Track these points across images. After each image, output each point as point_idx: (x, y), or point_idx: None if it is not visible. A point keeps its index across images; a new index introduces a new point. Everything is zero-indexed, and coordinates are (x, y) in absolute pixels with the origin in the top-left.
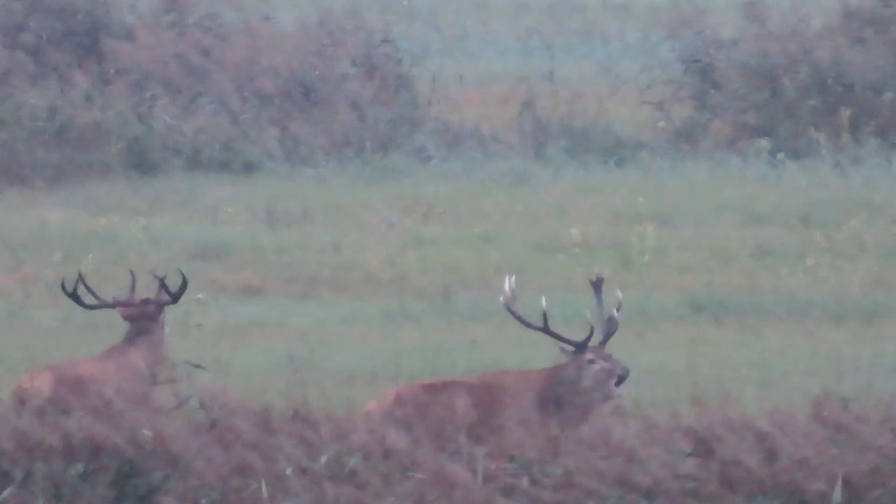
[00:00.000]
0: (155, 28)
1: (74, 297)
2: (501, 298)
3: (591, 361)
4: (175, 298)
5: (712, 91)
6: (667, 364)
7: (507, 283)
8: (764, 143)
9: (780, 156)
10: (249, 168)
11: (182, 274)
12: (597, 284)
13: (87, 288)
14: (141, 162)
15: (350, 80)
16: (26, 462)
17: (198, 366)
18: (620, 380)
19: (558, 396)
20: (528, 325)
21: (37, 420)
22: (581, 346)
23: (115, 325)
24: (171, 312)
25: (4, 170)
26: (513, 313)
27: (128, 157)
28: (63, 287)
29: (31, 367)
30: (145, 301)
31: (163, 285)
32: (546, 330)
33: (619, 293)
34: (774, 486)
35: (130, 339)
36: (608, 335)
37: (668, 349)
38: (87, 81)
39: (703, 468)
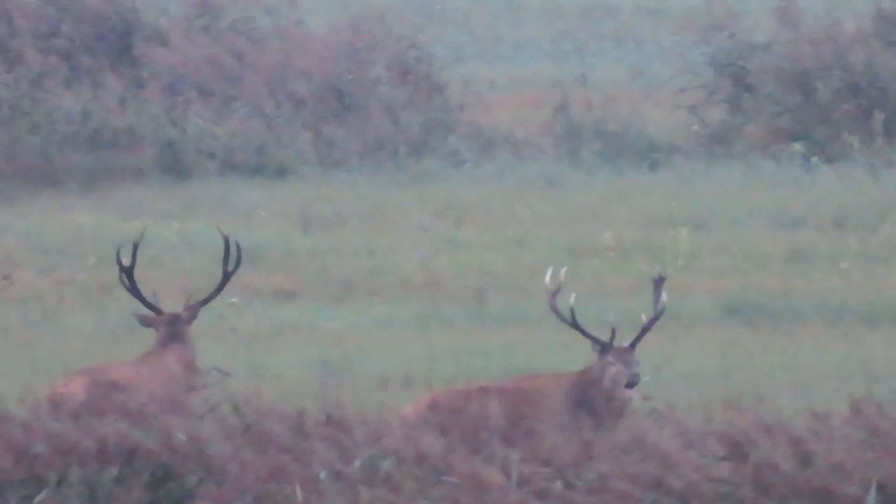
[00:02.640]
0: (188, 32)
1: (138, 293)
2: (547, 279)
3: (610, 363)
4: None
5: (746, 95)
6: (701, 368)
7: (551, 275)
8: (797, 146)
9: (814, 160)
10: (283, 172)
11: (235, 243)
12: (658, 282)
13: (131, 281)
14: (174, 166)
15: (383, 83)
16: (61, 466)
17: (224, 372)
18: (629, 385)
19: (588, 398)
20: (561, 317)
21: (71, 424)
22: (606, 346)
23: (147, 329)
24: (204, 316)
25: (38, 173)
26: (551, 304)
27: (161, 160)
28: (120, 264)
29: (65, 371)
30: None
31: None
32: (575, 325)
33: (664, 296)
34: (809, 491)
35: (164, 344)
36: (638, 338)
37: (702, 353)
38: (120, 85)
39: (737, 472)
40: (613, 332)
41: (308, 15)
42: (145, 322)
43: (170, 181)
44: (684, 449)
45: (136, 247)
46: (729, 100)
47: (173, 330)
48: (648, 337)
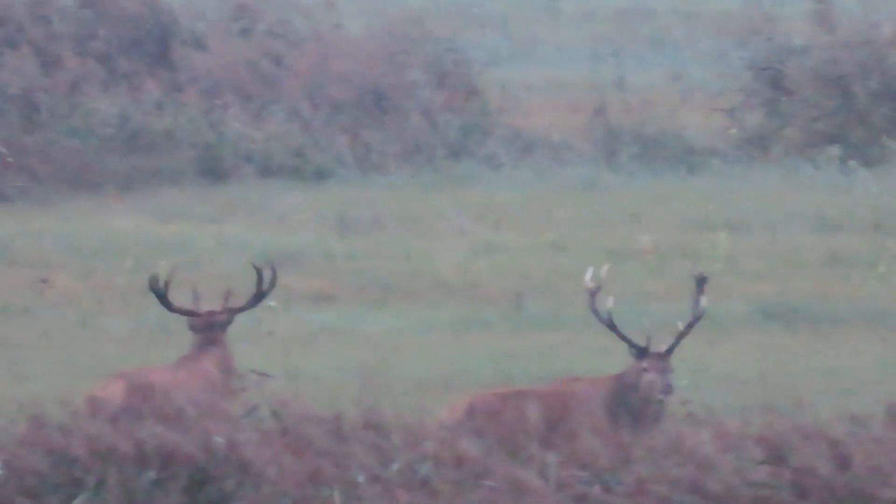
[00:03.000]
0: (225, 35)
1: (163, 297)
2: (587, 277)
3: (645, 370)
4: (259, 298)
5: (783, 98)
6: (739, 371)
7: (591, 274)
8: (835, 150)
9: (852, 163)
10: (320, 175)
11: (258, 271)
12: (700, 281)
13: (167, 287)
14: (212, 169)
15: (421, 87)
16: (99, 469)
17: (265, 374)
18: (663, 394)
19: (626, 402)
20: (599, 318)
21: (109, 427)
22: (642, 351)
23: (187, 332)
24: (242, 320)
25: (76, 177)
26: (590, 304)
27: (199, 164)
28: (152, 286)
29: (103, 375)
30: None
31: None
32: (612, 327)
33: (703, 300)
34: (847, 494)
35: (201, 348)
36: (674, 344)
37: (740, 356)
38: (158, 89)
39: (775, 476)
40: (649, 339)
41: (346, 18)
42: (190, 323)
43: (207, 184)
44: (722, 453)
45: (166, 285)
46: (766, 103)
47: (210, 334)
48: (686, 341)
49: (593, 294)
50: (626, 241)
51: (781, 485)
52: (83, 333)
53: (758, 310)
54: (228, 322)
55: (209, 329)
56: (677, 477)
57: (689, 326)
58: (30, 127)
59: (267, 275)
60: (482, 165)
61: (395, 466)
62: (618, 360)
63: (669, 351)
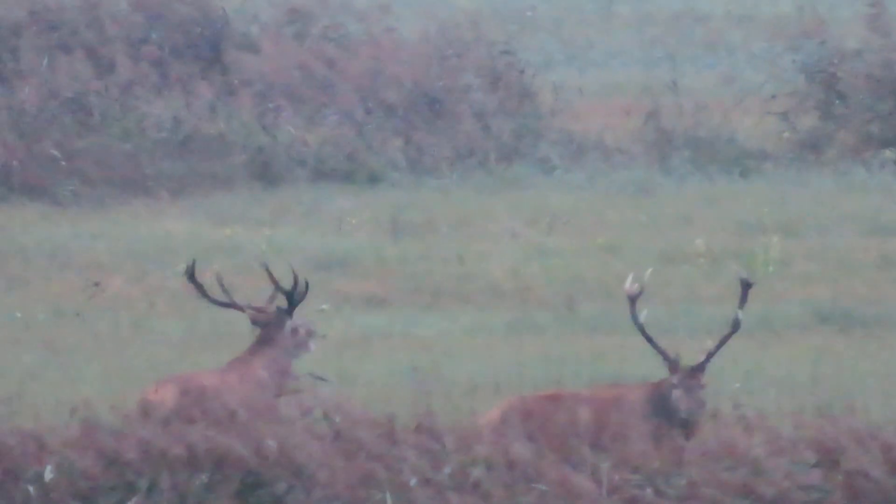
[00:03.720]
0: (278, 39)
1: (198, 286)
2: (627, 284)
3: (674, 385)
4: (291, 300)
5: (837, 102)
6: (792, 374)
7: (631, 280)
8: (889, 153)
9: None
10: (373, 179)
11: (300, 279)
12: (745, 286)
13: (222, 287)
14: (265, 173)
15: (474, 90)
16: (151, 472)
17: (321, 377)
18: (689, 413)
19: (665, 409)
20: (637, 325)
21: (161, 430)
22: (673, 365)
23: (239, 334)
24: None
25: (129, 180)
26: (631, 309)
27: (252, 167)
28: (188, 274)
29: (155, 378)
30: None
31: (281, 290)
32: (646, 338)
33: (740, 314)
34: None
35: (254, 350)
36: (706, 360)
37: (794, 359)
38: (210, 93)
39: (828, 479)
40: (677, 358)
41: (399, 21)
42: (254, 318)
43: (260, 188)
44: (775, 456)
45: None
46: (820, 107)
47: (265, 334)
48: (739, 343)
49: (634, 299)
50: (678, 244)
51: (833, 489)
52: (135, 337)
53: (811, 313)
54: (283, 321)
55: (268, 326)
56: (729, 480)
57: (724, 340)
58: (83, 131)
59: (301, 284)
60: (535, 169)
61: (447, 470)
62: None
63: (701, 366)
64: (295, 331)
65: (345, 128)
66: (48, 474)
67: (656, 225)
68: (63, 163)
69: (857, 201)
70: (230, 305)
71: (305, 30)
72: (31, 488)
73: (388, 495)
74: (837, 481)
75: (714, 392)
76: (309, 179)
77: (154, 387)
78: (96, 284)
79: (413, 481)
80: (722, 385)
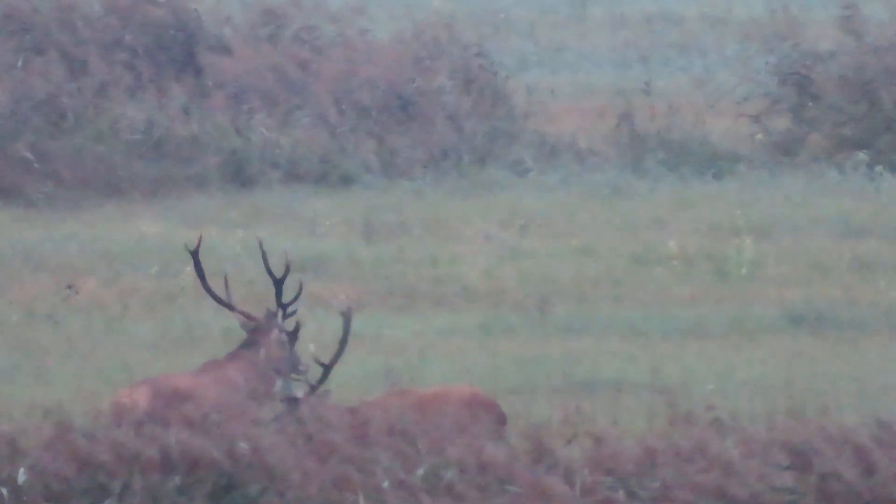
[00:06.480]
0: (252, 41)
1: (201, 272)
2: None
3: None
4: (283, 308)
5: (810, 104)
6: (765, 377)
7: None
8: (862, 155)
9: (879, 168)
10: (347, 181)
11: (300, 285)
12: (346, 314)
13: (226, 288)
14: (238, 175)
15: (447, 92)
16: (124, 474)
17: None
18: None
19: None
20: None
21: (134, 433)
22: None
23: (211, 338)
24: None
25: (102, 183)
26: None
27: (225, 169)
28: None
29: (128, 381)
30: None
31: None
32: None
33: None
34: (872, 500)
35: (233, 354)
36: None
37: (766, 361)
38: (184, 94)
39: (800, 481)
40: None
41: (372, 23)
42: (243, 323)
43: (233, 190)
44: (748, 458)
45: (195, 256)
46: (793, 109)
47: (251, 338)
48: (712, 345)
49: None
50: (651, 246)
51: (806, 490)
52: (109, 339)
53: (784, 315)
54: (270, 326)
55: (255, 330)
56: (702, 482)
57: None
58: (56, 133)
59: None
60: (508, 171)
61: (420, 472)
62: (644, 365)
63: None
64: (280, 339)
65: (318, 130)
66: (21, 476)
67: (629, 227)
68: (36, 165)
69: (830, 203)
70: (226, 305)
71: (279, 32)
72: (3, 490)
73: (360, 497)
74: (810, 483)
75: (687, 394)
76: (282, 181)
77: (127, 389)
78: (70, 287)
79: (386, 483)
80: (695, 387)
